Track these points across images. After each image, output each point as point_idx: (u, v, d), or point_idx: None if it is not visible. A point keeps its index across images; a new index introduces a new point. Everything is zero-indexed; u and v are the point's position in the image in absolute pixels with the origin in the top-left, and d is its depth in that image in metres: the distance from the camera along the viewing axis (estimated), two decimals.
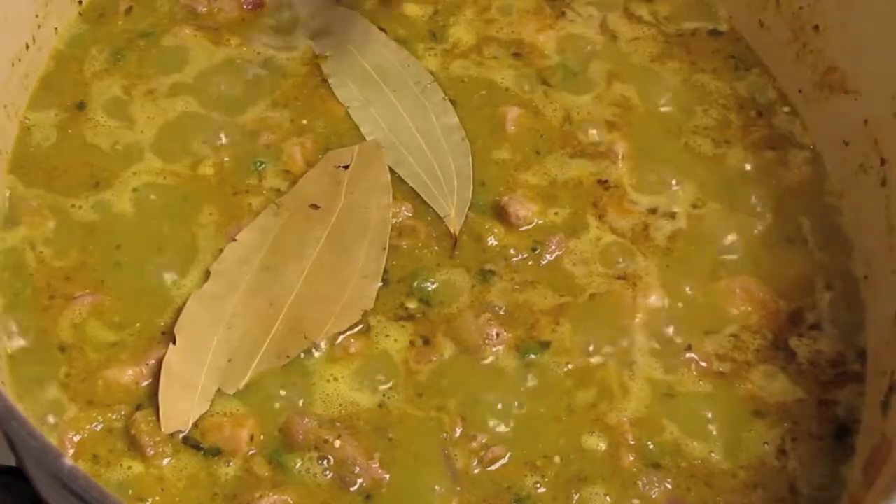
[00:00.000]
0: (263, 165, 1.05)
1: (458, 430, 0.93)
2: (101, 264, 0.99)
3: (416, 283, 1.00)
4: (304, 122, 1.09)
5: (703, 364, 0.99)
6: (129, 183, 1.04)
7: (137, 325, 0.96)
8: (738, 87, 1.16)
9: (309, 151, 1.06)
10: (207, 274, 0.98)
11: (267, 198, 1.03)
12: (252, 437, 0.91)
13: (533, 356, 0.97)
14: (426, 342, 0.97)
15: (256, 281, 0.97)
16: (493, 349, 0.97)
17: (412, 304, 0.99)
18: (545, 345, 0.98)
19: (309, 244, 0.99)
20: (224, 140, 1.07)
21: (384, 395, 0.94)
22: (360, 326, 0.97)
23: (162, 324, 0.96)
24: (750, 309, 1.02)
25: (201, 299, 0.96)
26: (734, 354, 0.99)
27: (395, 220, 1.02)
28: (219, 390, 0.93)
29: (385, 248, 1.00)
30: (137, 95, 1.09)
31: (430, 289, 0.99)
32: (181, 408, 0.91)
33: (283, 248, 0.99)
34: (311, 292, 0.97)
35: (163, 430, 0.90)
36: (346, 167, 1.04)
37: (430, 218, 1.04)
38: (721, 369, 0.99)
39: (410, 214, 1.03)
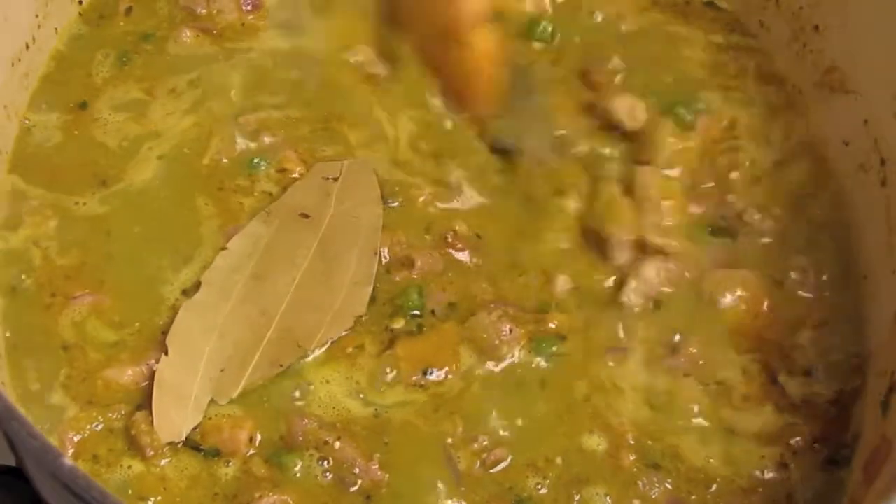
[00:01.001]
0: (261, 167, 1.05)
1: (460, 431, 0.93)
2: (101, 263, 0.99)
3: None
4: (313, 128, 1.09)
5: (703, 370, 0.99)
6: (129, 183, 1.04)
7: (137, 324, 0.96)
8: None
9: (304, 156, 1.06)
10: (199, 282, 0.98)
11: (259, 199, 1.03)
12: (251, 439, 0.91)
13: (542, 358, 0.97)
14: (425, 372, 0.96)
15: (248, 289, 0.97)
16: (508, 348, 0.97)
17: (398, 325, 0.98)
18: (561, 338, 0.98)
19: (300, 252, 0.99)
20: (231, 139, 1.07)
21: (378, 409, 0.94)
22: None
23: (161, 323, 0.96)
24: (749, 307, 1.02)
25: (192, 309, 0.96)
26: (737, 359, 0.99)
27: (386, 254, 1.01)
28: (212, 399, 0.93)
29: (376, 254, 0.99)
30: (141, 96, 1.09)
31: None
32: (175, 419, 0.91)
33: (273, 257, 0.98)
34: (302, 300, 0.96)
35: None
36: (336, 179, 1.03)
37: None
38: (721, 378, 0.99)
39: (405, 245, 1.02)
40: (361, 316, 0.97)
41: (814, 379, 0.99)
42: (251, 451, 0.91)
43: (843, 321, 1.02)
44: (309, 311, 0.96)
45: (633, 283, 1.01)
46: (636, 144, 1.08)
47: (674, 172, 1.07)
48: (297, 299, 0.96)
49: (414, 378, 0.95)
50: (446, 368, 0.96)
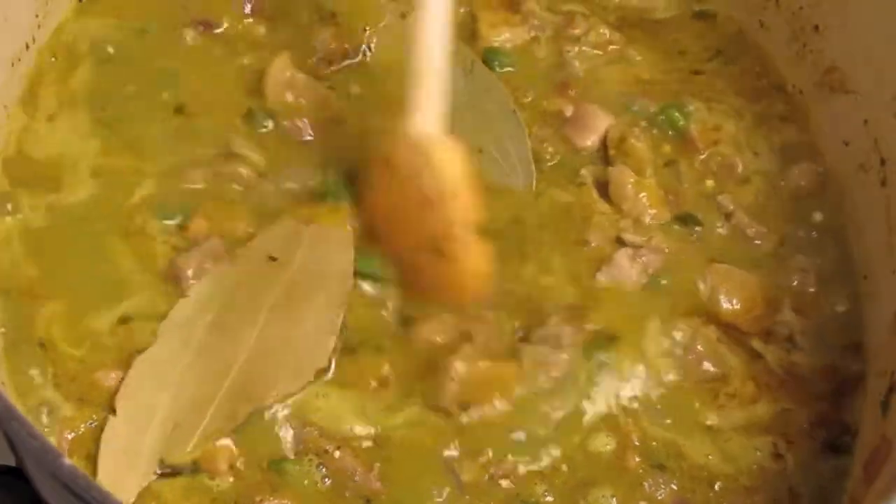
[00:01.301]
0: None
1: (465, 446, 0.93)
2: (59, 270, 0.98)
3: None
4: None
5: (699, 366, 0.99)
6: (82, 188, 1.02)
7: (103, 336, 0.95)
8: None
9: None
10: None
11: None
12: (231, 466, 0.90)
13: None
14: None
15: (207, 339, 0.93)
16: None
17: None
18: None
19: (264, 298, 0.95)
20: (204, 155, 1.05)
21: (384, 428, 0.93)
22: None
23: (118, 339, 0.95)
24: (744, 307, 1.01)
25: (146, 363, 0.92)
26: (726, 356, 0.99)
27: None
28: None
29: (343, 304, 0.96)
30: (112, 99, 1.08)
31: None
32: (124, 480, 0.87)
33: (236, 303, 0.95)
34: (263, 349, 0.93)
35: None
36: (307, 223, 1.00)
37: None
38: (713, 370, 0.99)
39: None
40: (324, 368, 0.94)
41: (795, 347, 0.99)
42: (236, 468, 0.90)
43: (843, 321, 1.02)
44: (269, 361, 0.92)
45: (603, 268, 1.01)
46: (609, 150, 1.09)
47: (649, 173, 1.07)
48: (259, 348, 0.93)
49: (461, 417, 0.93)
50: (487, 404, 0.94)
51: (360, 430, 0.92)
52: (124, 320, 0.95)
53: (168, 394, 0.90)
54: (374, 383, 0.94)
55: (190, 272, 0.96)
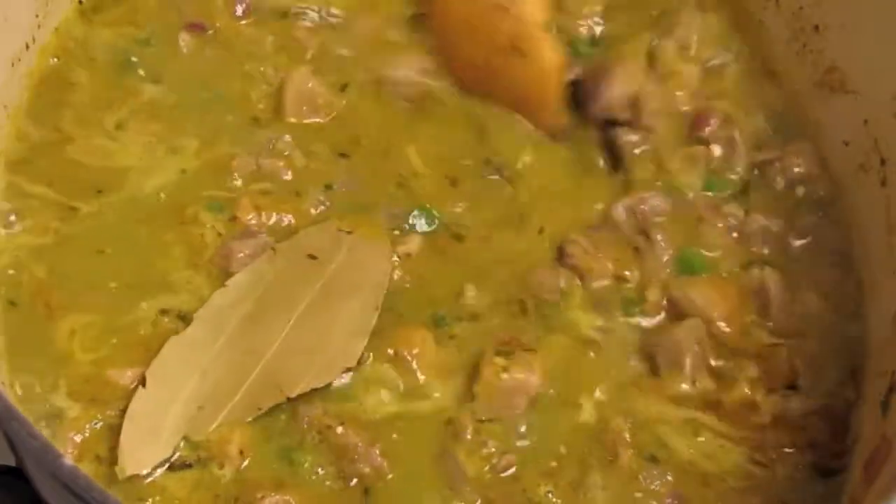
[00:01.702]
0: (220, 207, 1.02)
1: (468, 437, 0.93)
2: (85, 275, 0.98)
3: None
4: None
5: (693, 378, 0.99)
6: (117, 194, 1.02)
7: (128, 334, 0.95)
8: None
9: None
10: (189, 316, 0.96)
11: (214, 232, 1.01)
12: (241, 452, 0.90)
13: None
14: None
15: (241, 329, 0.94)
16: None
17: None
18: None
19: (300, 295, 0.96)
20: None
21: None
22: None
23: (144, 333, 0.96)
24: (741, 309, 1.02)
25: (180, 344, 0.93)
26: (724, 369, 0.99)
27: None
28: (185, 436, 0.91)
29: (377, 308, 0.97)
30: (133, 105, 1.08)
31: None
32: (142, 452, 0.89)
33: (273, 297, 0.96)
34: (294, 345, 0.94)
35: (119, 474, 0.87)
36: (350, 232, 1.01)
37: None
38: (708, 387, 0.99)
39: None
40: (350, 368, 0.95)
41: (797, 394, 0.98)
42: (245, 462, 0.90)
43: (843, 322, 1.02)
44: (298, 356, 0.93)
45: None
46: None
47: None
48: (289, 343, 0.94)
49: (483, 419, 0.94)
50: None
51: (368, 407, 0.93)
52: (163, 312, 0.96)
53: (196, 376, 0.92)
54: (396, 365, 0.96)
55: (241, 255, 0.98)
